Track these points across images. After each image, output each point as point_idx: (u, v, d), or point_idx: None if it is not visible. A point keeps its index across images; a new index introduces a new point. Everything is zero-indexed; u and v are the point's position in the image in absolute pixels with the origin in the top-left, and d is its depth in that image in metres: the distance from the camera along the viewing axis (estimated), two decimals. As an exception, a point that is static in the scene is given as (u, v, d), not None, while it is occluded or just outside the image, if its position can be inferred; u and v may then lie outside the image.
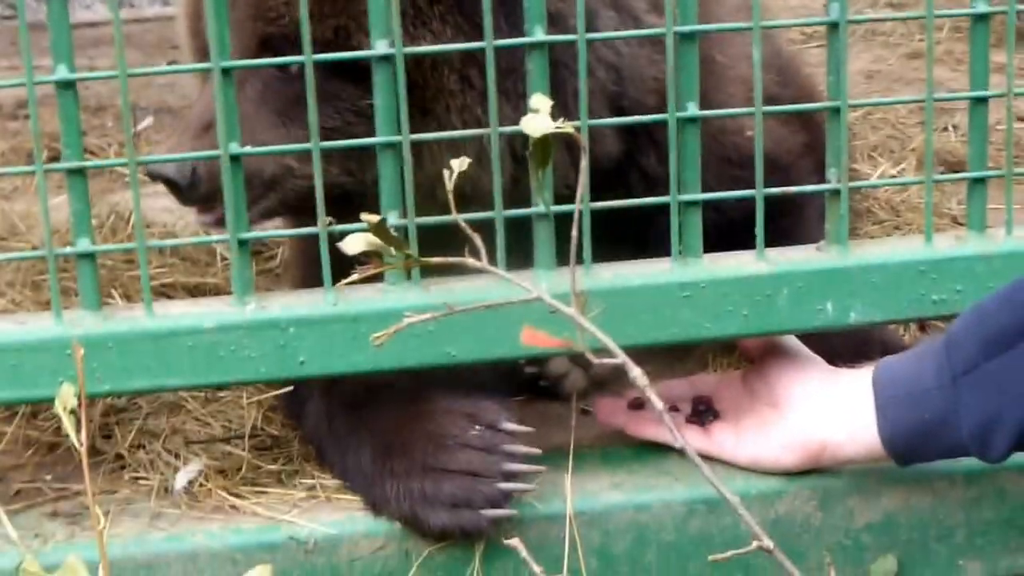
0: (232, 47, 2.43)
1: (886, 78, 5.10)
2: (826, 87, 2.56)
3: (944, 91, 4.72)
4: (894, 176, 4.07)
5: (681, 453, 2.09)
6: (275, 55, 2.64)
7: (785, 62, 3.54)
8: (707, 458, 2.64)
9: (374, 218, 2.02)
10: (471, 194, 2.47)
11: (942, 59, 5.12)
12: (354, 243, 2.03)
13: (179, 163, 2.59)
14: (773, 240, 2.61)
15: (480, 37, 2.48)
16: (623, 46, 2.84)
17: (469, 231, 2.06)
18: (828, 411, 2.58)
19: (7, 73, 5.65)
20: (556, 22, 2.57)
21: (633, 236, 2.84)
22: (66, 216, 3.16)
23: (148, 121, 4.88)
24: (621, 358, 1.99)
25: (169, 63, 5.64)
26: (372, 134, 2.47)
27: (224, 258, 3.49)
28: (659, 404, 1.99)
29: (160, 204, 4.02)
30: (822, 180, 2.60)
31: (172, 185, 2.65)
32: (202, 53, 2.81)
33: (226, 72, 2.40)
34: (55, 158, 3.82)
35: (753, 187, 2.56)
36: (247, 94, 2.68)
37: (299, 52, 2.39)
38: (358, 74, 2.50)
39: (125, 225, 3.66)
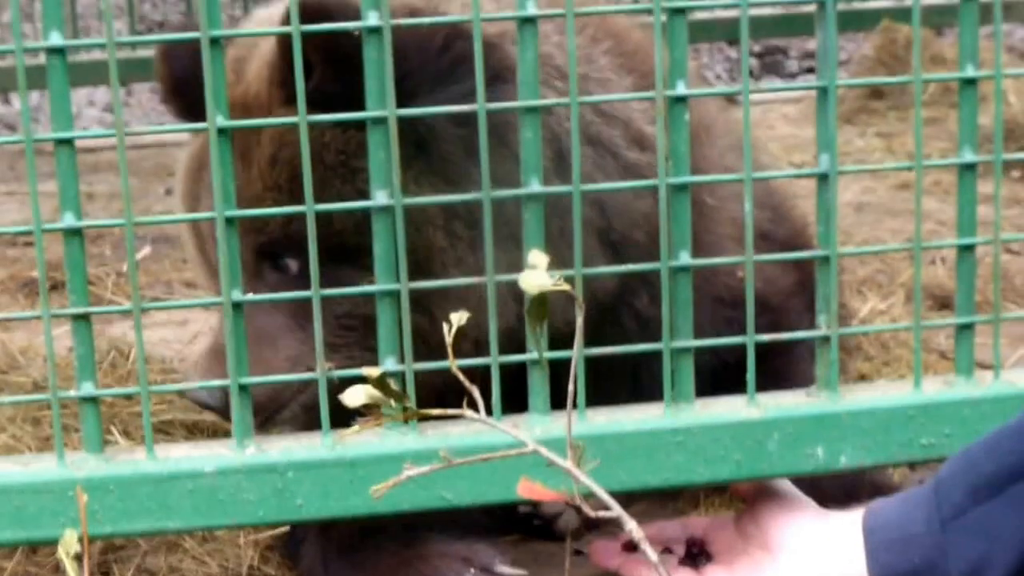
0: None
1: (875, 209, 5.17)
2: (816, 236, 2.61)
3: (932, 223, 4.80)
4: (883, 311, 4.13)
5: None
6: (272, 261, 2.76)
7: (777, 200, 3.59)
8: (702, 601, 2.68)
9: (375, 371, 2.05)
10: (482, 339, 2.51)
11: (930, 190, 5.20)
12: (354, 396, 2.07)
13: (210, 390, 2.64)
14: (766, 380, 2.64)
15: (455, 191, 2.54)
16: (603, 180, 2.89)
17: (465, 381, 2.10)
18: (820, 554, 2.59)
19: (5, 198, 5.71)
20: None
21: (628, 375, 2.89)
22: (65, 346, 3.21)
23: (146, 251, 4.92)
24: (616, 511, 2.02)
25: (166, 190, 5.71)
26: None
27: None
28: (654, 556, 2.02)
29: (158, 336, 4.07)
30: (814, 318, 2.64)
31: (210, 408, 2.71)
32: (208, 268, 2.88)
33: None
34: (55, 287, 3.89)
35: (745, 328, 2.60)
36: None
37: (294, 255, 2.45)
38: (358, 257, 2.54)
39: (125, 361, 3.69)
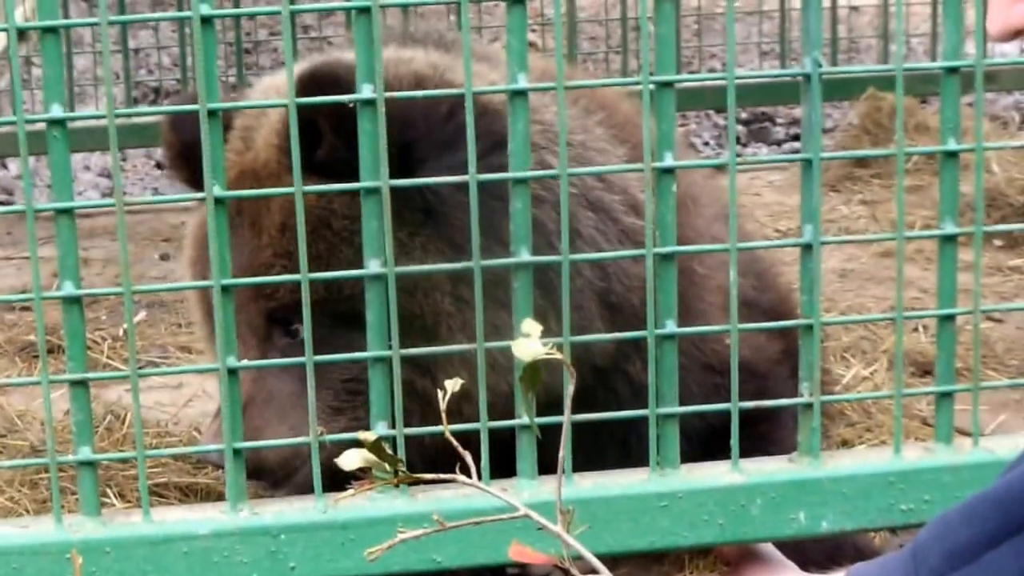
0: (239, 322, 2.55)
1: (858, 276, 5.20)
2: (800, 303, 2.66)
3: (915, 290, 4.84)
4: (866, 377, 4.17)
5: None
6: (283, 326, 2.87)
7: (763, 268, 3.64)
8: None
9: (370, 436, 2.09)
10: (492, 400, 2.57)
11: (912, 258, 5.23)
12: (350, 460, 2.10)
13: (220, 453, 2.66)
14: (751, 443, 2.68)
15: (462, 257, 2.59)
16: (605, 244, 2.95)
17: (458, 447, 2.13)
18: (803, 616, 2.63)
19: (3, 263, 5.73)
20: (536, 228, 2.66)
21: (618, 440, 2.93)
22: (61, 409, 3.24)
23: (142, 315, 4.93)
24: (605, 575, 2.05)
25: (161, 255, 5.73)
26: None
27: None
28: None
29: (153, 399, 4.09)
30: (798, 385, 2.68)
31: (222, 468, 2.75)
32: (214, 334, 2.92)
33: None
34: (51, 350, 3.92)
35: (733, 394, 2.65)
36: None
37: (300, 318, 2.51)
38: (359, 322, 2.58)
39: (121, 424, 3.72)
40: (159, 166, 6.16)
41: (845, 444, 3.73)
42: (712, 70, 8.55)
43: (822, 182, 6.02)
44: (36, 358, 4.25)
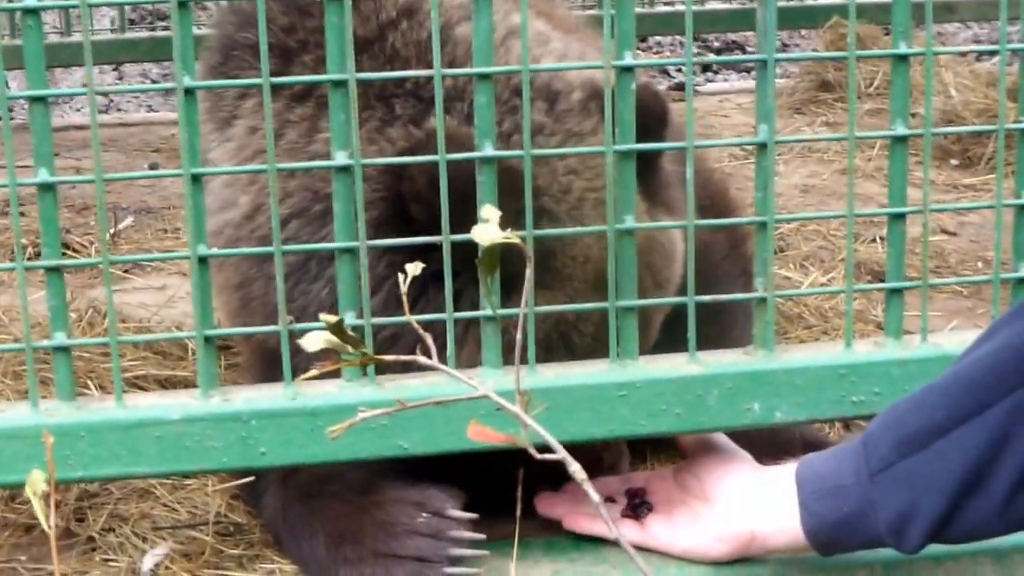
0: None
1: (820, 192, 5.16)
2: (754, 202, 2.61)
3: (875, 205, 4.80)
4: (824, 284, 4.13)
5: (617, 544, 2.11)
6: None
7: (712, 191, 3.58)
8: (643, 549, 2.67)
9: (332, 318, 2.04)
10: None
11: (873, 175, 5.21)
12: (313, 341, 2.05)
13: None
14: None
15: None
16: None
17: (421, 331, 2.08)
18: (756, 505, 2.60)
19: None
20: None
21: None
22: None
23: (128, 221, 4.86)
24: (561, 454, 2.01)
25: (150, 165, 5.66)
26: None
27: (195, 353, 3.50)
28: (596, 497, 2.00)
29: (137, 300, 4.05)
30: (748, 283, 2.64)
31: None
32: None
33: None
34: (40, 254, 3.86)
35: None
36: None
37: None
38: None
39: (102, 319, 3.66)
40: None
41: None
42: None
43: (787, 105, 5.97)
44: (29, 259, 4.20)
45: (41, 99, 2.40)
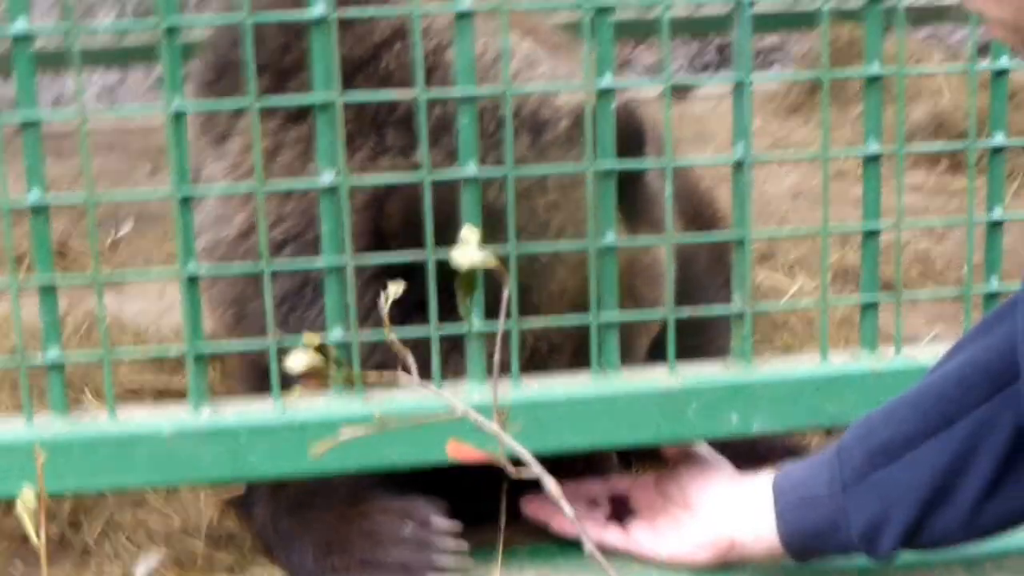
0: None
1: (810, 197, 5.18)
2: (733, 220, 2.66)
3: (860, 209, 4.82)
4: (811, 291, 4.16)
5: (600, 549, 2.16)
6: None
7: (696, 200, 3.62)
8: (627, 554, 2.73)
9: (315, 339, 2.09)
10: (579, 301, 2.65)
11: (860, 178, 5.23)
12: (297, 361, 2.10)
13: None
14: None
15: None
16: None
17: (402, 349, 2.13)
18: (735, 513, 2.65)
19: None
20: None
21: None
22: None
23: (128, 226, 4.91)
24: (537, 470, 2.06)
25: (152, 170, 5.69)
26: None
27: (190, 364, 3.54)
28: (570, 512, 2.06)
29: (136, 306, 4.09)
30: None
31: None
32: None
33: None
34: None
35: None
36: None
37: None
38: None
39: (103, 320, 3.69)
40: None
41: (787, 351, 3.74)
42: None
43: (783, 106, 5.97)
44: (29, 269, 4.23)
45: (34, 124, 2.45)
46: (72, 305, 3.79)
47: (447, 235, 2.44)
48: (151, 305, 4.12)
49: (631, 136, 2.70)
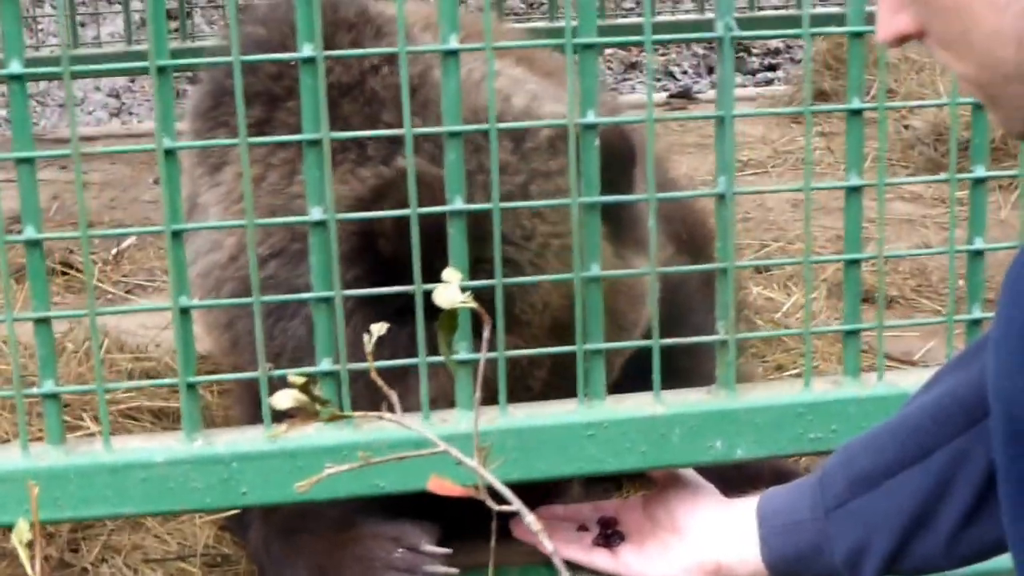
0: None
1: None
2: (716, 251, 2.71)
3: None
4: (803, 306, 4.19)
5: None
6: None
7: (685, 213, 3.66)
8: (615, 576, 2.79)
9: (300, 380, 2.14)
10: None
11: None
12: (283, 399, 2.15)
13: None
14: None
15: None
16: None
17: (383, 385, 2.17)
18: (721, 537, 2.69)
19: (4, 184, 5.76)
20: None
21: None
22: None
23: (131, 239, 4.95)
24: (517, 505, 2.10)
25: (155, 180, 5.74)
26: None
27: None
28: (550, 547, 2.10)
29: (136, 321, 4.12)
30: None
31: None
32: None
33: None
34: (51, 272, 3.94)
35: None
36: None
37: None
38: None
39: (99, 350, 3.73)
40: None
41: (780, 368, 3.79)
42: None
43: (785, 115, 6.00)
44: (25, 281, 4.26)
45: (28, 160, 2.51)
46: (73, 321, 3.83)
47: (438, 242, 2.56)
48: (151, 319, 4.16)
49: (619, 155, 2.75)
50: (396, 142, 2.80)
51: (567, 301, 2.69)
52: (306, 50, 2.50)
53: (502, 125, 2.61)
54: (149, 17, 2.44)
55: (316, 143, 2.52)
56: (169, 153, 2.50)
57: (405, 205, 2.55)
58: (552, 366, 2.77)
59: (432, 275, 2.47)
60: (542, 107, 2.92)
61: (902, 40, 2.00)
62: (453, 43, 2.52)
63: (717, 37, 2.59)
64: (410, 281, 2.56)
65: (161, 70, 2.46)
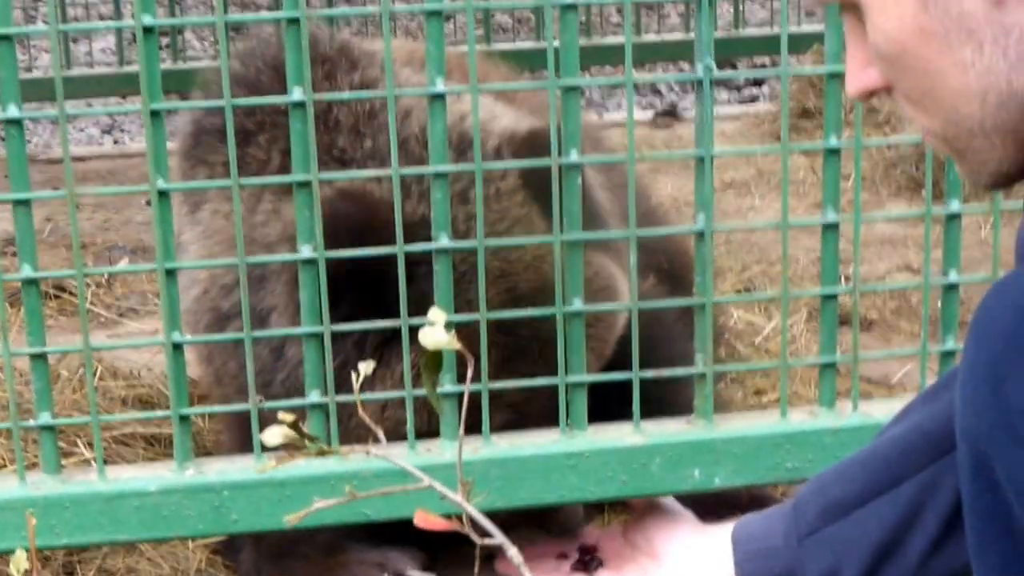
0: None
1: (794, 228, 5.24)
2: (695, 286, 2.78)
3: (843, 240, 4.93)
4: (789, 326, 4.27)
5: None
6: None
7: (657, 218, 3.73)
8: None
9: (289, 417, 2.21)
10: None
11: (844, 208, 5.30)
12: (272, 437, 2.23)
13: None
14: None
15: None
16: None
17: (367, 419, 2.24)
18: (698, 562, 2.76)
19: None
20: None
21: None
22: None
23: (125, 261, 5.01)
24: (500, 539, 2.18)
25: (147, 200, 5.79)
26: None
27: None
28: (528, 576, 2.18)
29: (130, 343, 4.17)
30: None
31: None
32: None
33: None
34: (47, 295, 4.00)
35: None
36: None
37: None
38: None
39: (93, 376, 3.79)
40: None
41: (759, 393, 3.86)
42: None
43: (769, 132, 6.03)
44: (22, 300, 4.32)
45: (25, 202, 2.58)
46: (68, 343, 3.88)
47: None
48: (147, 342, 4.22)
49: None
50: (347, 163, 2.91)
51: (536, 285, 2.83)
52: (296, 94, 2.57)
53: (488, 165, 2.69)
54: (140, 63, 2.52)
55: (305, 184, 2.60)
56: (162, 194, 2.58)
57: (336, 219, 2.64)
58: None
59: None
60: (495, 124, 3.00)
61: (871, 95, 2.08)
62: (440, 86, 2.60)
63: (696, 79, 2.67)
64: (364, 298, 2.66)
65: (154, 113, 2.54)
